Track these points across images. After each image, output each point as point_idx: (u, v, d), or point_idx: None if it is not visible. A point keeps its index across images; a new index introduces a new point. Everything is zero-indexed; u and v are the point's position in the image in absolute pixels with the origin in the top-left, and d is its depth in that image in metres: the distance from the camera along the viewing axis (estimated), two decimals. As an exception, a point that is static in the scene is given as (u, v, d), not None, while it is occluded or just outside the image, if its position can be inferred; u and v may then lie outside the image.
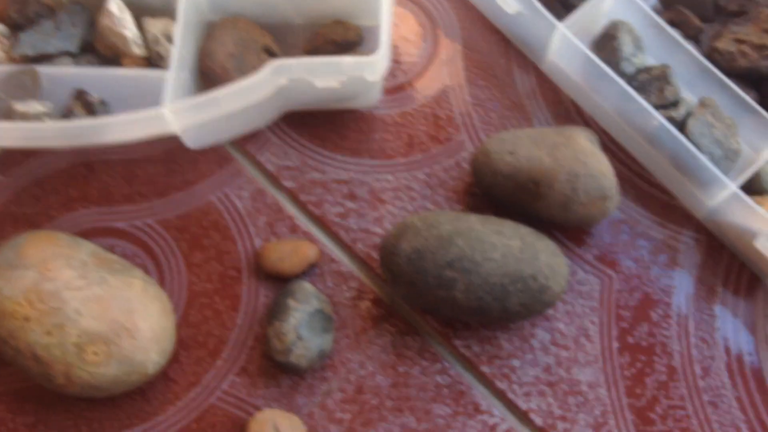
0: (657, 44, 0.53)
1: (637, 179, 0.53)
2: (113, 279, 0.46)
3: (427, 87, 0.56)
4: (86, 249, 0.47)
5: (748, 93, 0.51)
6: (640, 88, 0.50)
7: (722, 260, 0.52)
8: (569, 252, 0.51)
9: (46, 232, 0.47)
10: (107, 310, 0.45)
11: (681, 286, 0.51)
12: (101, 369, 0.44)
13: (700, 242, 0.52)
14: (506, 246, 0.45)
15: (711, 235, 0.52)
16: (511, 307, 0.45)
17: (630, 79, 0.51)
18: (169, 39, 0.51)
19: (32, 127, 0.44)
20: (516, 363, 0.49)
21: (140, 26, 0.52)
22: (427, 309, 0.48)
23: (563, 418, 0.48)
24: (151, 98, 0.50)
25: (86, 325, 0.44)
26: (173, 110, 0.45)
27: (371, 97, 0.53)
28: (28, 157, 0.53)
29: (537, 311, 0.46)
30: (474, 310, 0.45)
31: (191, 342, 0.49)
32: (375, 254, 0.51)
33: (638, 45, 0.52)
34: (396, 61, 0.57)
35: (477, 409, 0.48)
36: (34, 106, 0.47)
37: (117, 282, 0.46)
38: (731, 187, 0.47)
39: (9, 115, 0.47)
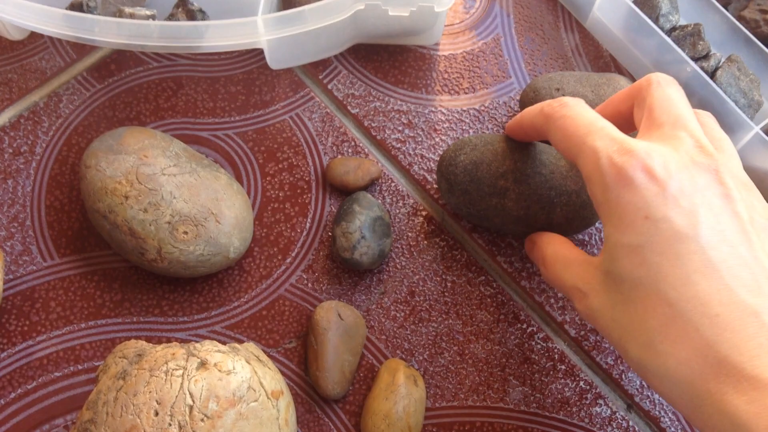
0: (690, 7, 0.57)
1: (667, 128, 0.57)
2: (202, 171, 0.50)
3: (481, 34, 0.60)
4: (178, 144, 0.51)
5: (770, 55, 0.55)
6: (675, 42, 0.54)
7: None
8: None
9: (143, 127, 0.51)
10: (197, 195, 0.48)
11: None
12: (190, 247, 0.47)
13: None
14: (554, 164, 0.48)
15: (730, 180, 0.56)
16: (555, 218, 0.48)
17: (666, 34, 0.55)
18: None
19: (141, 24, 0.48)
20: (553, 278, 0.53)
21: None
22: (478, 217, 0.50)
23: (594, 331, 0.51)
24: (242, 15, 0.54)
25: (179, 206, 0.48)
26: (265, 20, 0.49)
27: (433, 35, 0.57)
28: (121, 69, 0.57)
29: (577, 227, 0.50)
30: (521, 218, 0.48)
31: (264, 240, 0.53)
32: (429, 177, 0.55)
33: (674, 5, 0.56)
34: (454, 8, 0.61)
35: (516, 318, 0.52)
36: (142, 11, 0.51)
37: (206, 174, 0.50)
38: (754, 128, 0.51)
39: (118, 16, 0.51)
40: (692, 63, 0.52)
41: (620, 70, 0.59)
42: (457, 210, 0.51)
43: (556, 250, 0.44)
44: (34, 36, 0.57)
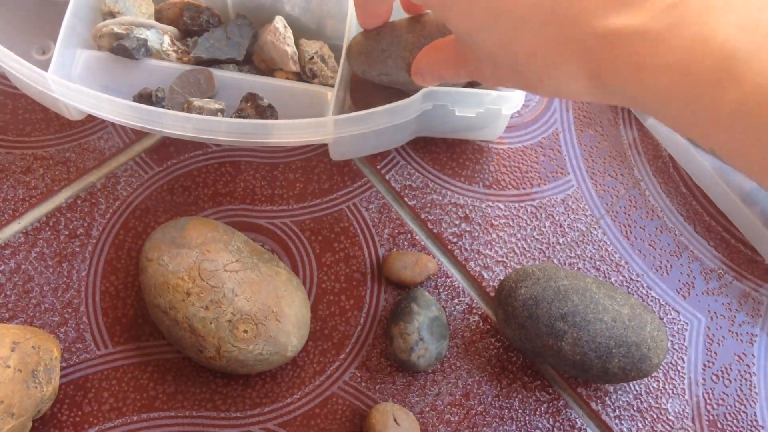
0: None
1: (726, 233, 0.57)
2: (264, 266, 0.50)
3: (539, 129, 0.60)
4: (239, 237, 0.51)
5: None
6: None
7: (798, 313, 0.56)
8: (668, 296, 0.55)
9: (205, 218, 0.51)
10: (258, 293, 0.48)
11: (761, 335, 0.55)
12: (249, 346, 0.47)
13: (779, 295, 0.56)
14: (617, 311, 0.47)
15: (789, 289, 0.56)
16: (611, 369, 0.47)
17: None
18: (322, 60, 0.56)
19: (210, 120, 0.48)
20: (610, 388, 0.52)
21: (296, 46, 0.56)
22: (532, 352, 0.50)
23: (649, 440, 0.51)
24: (306, 110, 0.54)
25: (240, 304, 0.48)
26: (337, 121, 0.49)
27: (495, 131, 0.57)
28: (180, 152, 0.57)
29: (633, 377, 0.48)
30: (576, 363, 0.48)
31: (318, 334, 0.53)
32: (485, 274, 0.55)
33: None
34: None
35: (573, 427, 0.51)
36: (211, 103, 0.51)
37: (267, 269, 0.50)
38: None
39: (187, 108, 0.51)
40: (758, 175, 0.52)
41: (679, 173, 0.59)
42: (512, 341, 0.51)
43: (432, 45, 0.45)
44: (92, 116, 0.58)
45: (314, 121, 0.49)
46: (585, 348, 0.47)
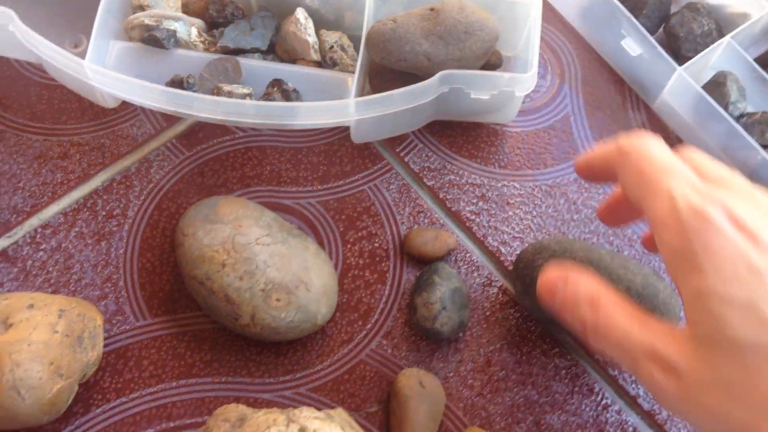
0: (758, 95, 0.60)
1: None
2: (293, 240, 0.53)
3: (551, 113, 0.63)
4: (269, 215, 0.54)
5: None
6: (744, 128, 0.57)
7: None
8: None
9: (236, 197, 0.54)
10: (288, 264, 0.51)
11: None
12: (282, 314, 0.50)
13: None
14: (630, 281, 0.49)
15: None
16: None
17: (734, 121, 0.58)
18: (342, 49, 0.59)
19: (239, 103, 0.52)
20: (623, 351, 0.55)
21: (317, 36, 0.60)
22: (550, 322, 0.52)
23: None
24: (328, 95, 0.57)
25: (272, 275, 0.50)
26: (357, 103, 0.52)
27: (509, 114, 0.60)
28: (209, 138, 0.60)
29: None
30: None
31: (345, 306, 0.55)
32: (503, 249, 0.58)
33: (742, 93, 0.59)
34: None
35: (591, 391, 0.54)
36: (239, 88, 0.54)
37: (296, 243, 0.52)
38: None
39: (216, 93, 0.54)
40: (762, 151, 0.55)
41: (685, 150, 0.62)
42: (531, 312, 0.53)
43: (611, 297, 0.37)
44: (125, 103, 0.61)
45: (337, 103, 0.52)
46: None
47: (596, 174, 0.41)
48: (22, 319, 0.46)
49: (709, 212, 0.32)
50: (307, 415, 0.44)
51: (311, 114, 0.53)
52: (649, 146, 0.37)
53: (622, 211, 0.44)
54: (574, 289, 0.38)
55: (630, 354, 0.35)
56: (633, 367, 0.35)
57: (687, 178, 0.35)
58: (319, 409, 0.46)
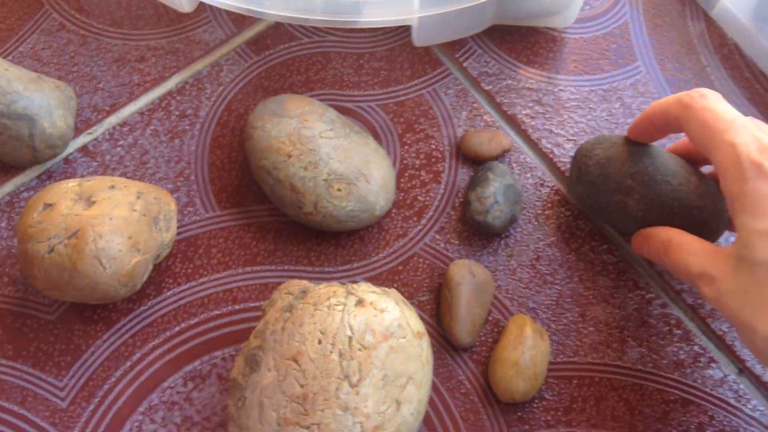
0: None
1: (788, 114, 0.61)
2: (354, 136, 0.55)
3: (610, 20, 0.64)
4: (333, 112, 0.56)
5: None
6: (803, 32, 0.58)
7: None
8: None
9: (302, 96, 0.57)
10: (350, 157, 0.54)
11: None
12: (343, 203, 0.53)
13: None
14: (685, 178, 0.50)
15: None
16: (672, 227, 0.50)
17: (793, 25, 0.59)
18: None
19: (305, 0, 0.54)
20: (672, 250, 0.57)
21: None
22: (598, 210, 0.53)
23: (708, 300, 0.55)
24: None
25: (334, 166, 0.53)
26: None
27: (569, 17, 0.61)
28: (276, 43, 0.63)
29: None
30: (638, 219, 0.51)
31: (401, 203, 0.58)
32: (557, 151, 0.60)
33: (803, -3, 0.60)
34: (586, -3, 0.66)
35: (636, 285, 0.56)
36: (305, -9, 0.57)
37: (357, 138, 0.55)
38: None
39: (283, -3, 0.57)
40: (819, 51, 0.55)
41: (745, 60, 0.62)
42: (580, 201, 0.54)
43: (681, 238, 0.47)
44: (199, 9, 0.64)
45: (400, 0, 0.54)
46: (650, 205, 0.50)
47: (655, 129, 0.49)
48: (104, 197, 0.50)
49: (765, 165, 0.40)
50: (364, 289, 0.48)
51: (376, 10, 0.55)
52: (712, 100, 0.44)
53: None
54: (655, 236, 0.49)
55: (689, 278, 0.45)
56: (690, 283, 0.45)
57: (749, 133, 0.41)
58: (377, 287, 0.49)
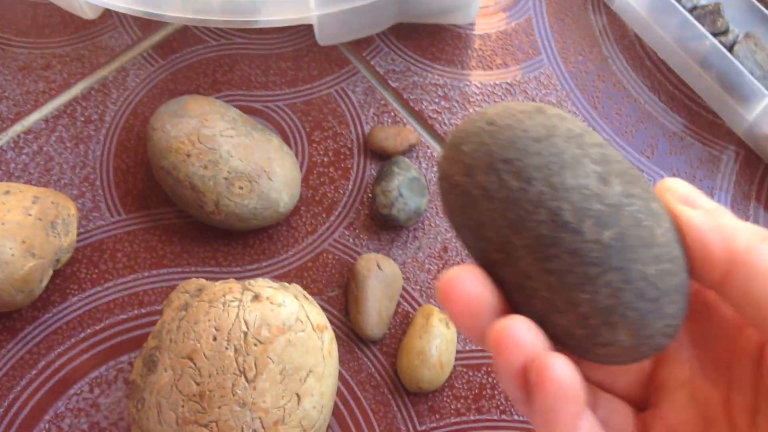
0: (712, -12, 0.62)
1: (688, 101, 0.61)
2: (256, 134, 0.55)
3: (514, 15, 0.65)
4: (235, 111, 0.56)
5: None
6: (696, 20, 0.59)
7: (758, 170, 0.59)
8: (633, 157, 0.60)
9: (203, 96, 0.57)
10: (251, 155, 0.54)
11: (720, 189, 0.59)
12: (244, 201, 0.53)
13: (740, 154, 0.60)
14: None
15: (749, 149, 0.60)
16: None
17: (688, 13, 0.60)
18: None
19: (204, 0, 0.54)
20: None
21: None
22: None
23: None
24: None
25: (235, 164, 0.53)
26: (316, -1, 0.54)
27: (469, 14, 0.61)
28: (182, 47, 0.63)
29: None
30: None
31: (310, 200, 0.58)
32: (463, 145, 0.60)
33: (696, -14, 0.61)
34: (489, -7, 0.66)
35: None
36: (203, -8, 0.57)
37: (259, 136, 0.55)
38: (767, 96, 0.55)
39: (182, -2, 0.57)
40: (711, 37, 0.56)
41: (645, 49, 0.63)
42: (458, 232, 0.30)
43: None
44: (104, 16, 0.63)
45: (295, -1, 0.54)
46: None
47: None
48: (-4, 202, 0.49)
49: None
50: (262, 284, 0.47)
51: (273, 9, 0.55)
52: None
53: None
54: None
55: None
56: None
57: None
58: (276, 282, 0.48)
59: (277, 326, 0.45)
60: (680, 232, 0.27)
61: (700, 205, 0.27)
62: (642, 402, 0.32)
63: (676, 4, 0.58)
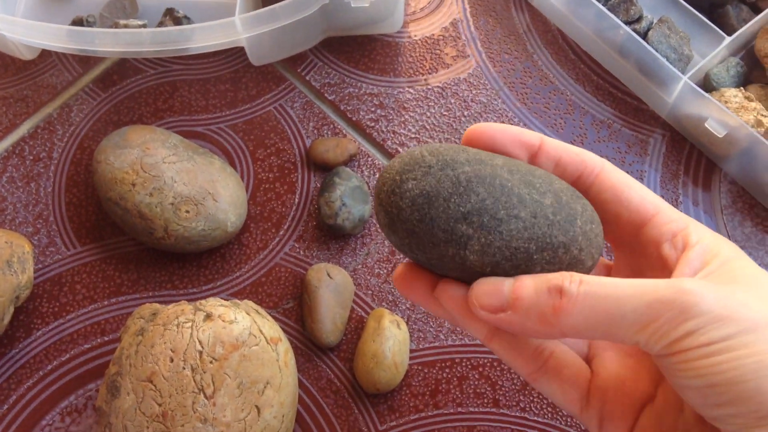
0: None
1: (613, 89, 0.63)
2: (198, 158, 0.56)
3: (439, 20, 0.66)
4: (176, 137, 0.57)
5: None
6: (610, 10, 0.60)
7: (684, 149, 0.61)
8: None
9: (144, 125, 0.58)
10: (195, 179, 0.55)
11: (650, 171, 0.61)
12: (192, 224, 0.54)
13: (665, 137, 0.62)
14: (537, 203, 0.35)
15: (674, 130, 0.62)
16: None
17: (602, 4, 0.61)
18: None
19: (134, 32, 0.55)
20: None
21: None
22: (428, 264, 0.37)
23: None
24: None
25: (179, 189, 0.54)
26: (242, 19, 0.55)
27: (395, 22, 0.63)
28: (123, 79, 0.64)
29: None
30: (486, 275, 0.35)
31: (258, 217, 0.59)
32: (401, 149, 0.61)
33: (610, -22, 0.63)
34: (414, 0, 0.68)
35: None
36: (134, 22, 0.57)
37: (201, 160, 0.56)
38: (683, 78, 0.57)
39: (114, 28, 0.58)
40: (625, 26, 0.58)
41: (568, 42, 0.65)
42: (401, 250, 0.37)
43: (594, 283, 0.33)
44: (43, 55, 0.64)
45: (224, 22, 0.55)
46: (497, 256, 0.34)
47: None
48: (-51, 248, 0.50)
49: None
50: (213, 303, 0.48)
51: (202, 35, 0.56)
52: None
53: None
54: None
55: (627, 335, 0.32)
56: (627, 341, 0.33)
57: None
58: (227, 300, 0.50)
59: (230, 342, 0.47)
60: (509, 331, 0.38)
61: (501, 304, 0.35)
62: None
63: (591, -2, 0.60)
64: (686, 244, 0.35)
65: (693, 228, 0.36)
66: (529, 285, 0.33)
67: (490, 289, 0.34)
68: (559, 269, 0.35)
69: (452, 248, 0.34)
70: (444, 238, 0.34)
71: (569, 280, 0.32)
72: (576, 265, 0.35)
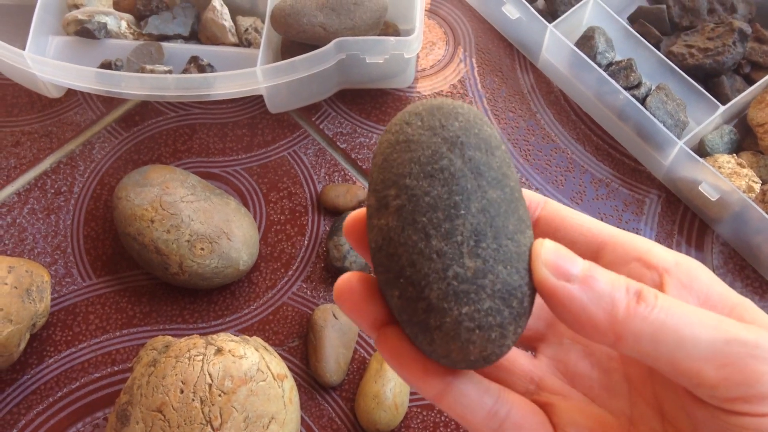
0: (624, 46, 0.65)
1: (611, 150, 0.65)
2: (215, 198, 0.58)
3: (448, 77, 0.68)
4: (194, 178, 0.59)
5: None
6: (611, 75, 0.63)
7: (678, 210, 0.63)
8: (563, 203, 0.63)
9: (164, 165, 0.59)
10: (211, 218, 0.56)
11: (645, 229, 0.62)
12: (206, 261, 0.55)
13: (661, 198, 0.63)
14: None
15: (669, 192, 0.63)
16: None
17: (603, 70, 0.64)
18: (256, 30, 0.64)
19: (159, 77, 0.57)
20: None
21: (234, 21, 0.65)
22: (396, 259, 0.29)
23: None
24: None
25: (196, 227, 0.55)
26: (263, 70, 0.57)
27: (406, 78, 0.65)
28: (144, 120, 0.65)
29: None
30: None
31: (269, 257, 0.60)
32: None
33: (609, 45, 0.65)
34: (425, 57, 0.69)
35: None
36: (160, 67, 0.59)
37: (217, 200, 0.58)
38: (679, 143, 0.59)
39: (141, 72, 0.60)
40: (624, 92, 0.60)
41: (569, 104, 0.67)
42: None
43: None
44: (69, 94, 0.66)
45: (246, 72, 0.57)
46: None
47: None
48: (-28, 275, 0.51)
49: None
50: (223, 338, 0.49)
51: (224, 83, 0.58)
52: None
53: None
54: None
55: None
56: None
57: None
58: (237, 335, 0.50)
59: (239, 377, 0.47)
60: (557, 307, 0.28)
61: (573, 274, 0.28)
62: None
63: (591, 62, 0.62)
64: (657, 265, 0.30)
65: (658, 249, 0.31)
66: (605, 273, 0.29)
67: (565, 252, 0.29)
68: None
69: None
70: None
71: (647, 288, 0.29)
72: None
